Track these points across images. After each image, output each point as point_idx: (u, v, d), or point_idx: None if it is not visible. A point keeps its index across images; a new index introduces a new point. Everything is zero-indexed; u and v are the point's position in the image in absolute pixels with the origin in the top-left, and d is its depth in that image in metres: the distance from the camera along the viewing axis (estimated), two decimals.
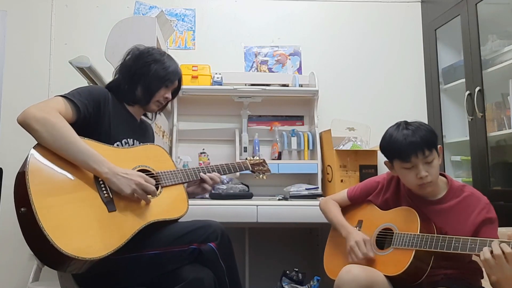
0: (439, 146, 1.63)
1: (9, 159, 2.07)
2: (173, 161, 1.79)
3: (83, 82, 2.24)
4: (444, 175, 1.69)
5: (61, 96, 1.52)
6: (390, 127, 1.67)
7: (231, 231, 1.68)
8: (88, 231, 1.35)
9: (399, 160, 1.61)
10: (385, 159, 1.70)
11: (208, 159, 2.91)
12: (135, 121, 1.79)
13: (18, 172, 1.34)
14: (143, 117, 1.88)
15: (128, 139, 1.69)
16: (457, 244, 1.44)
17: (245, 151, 2.95)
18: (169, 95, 1.79)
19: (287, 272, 2.63)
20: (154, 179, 1.60)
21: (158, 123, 2.45)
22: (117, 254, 1.40)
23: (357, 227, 1.76)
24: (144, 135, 1.82)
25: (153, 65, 1.72)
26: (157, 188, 1.59)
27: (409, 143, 1.56)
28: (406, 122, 1.64)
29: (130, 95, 1.73)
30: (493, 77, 2.46)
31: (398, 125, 1.65)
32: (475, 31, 2.49)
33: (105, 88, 1.73)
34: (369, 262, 1.61)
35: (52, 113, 1.42)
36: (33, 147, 1.40)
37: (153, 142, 1.88)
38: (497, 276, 1.35)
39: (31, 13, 3.10)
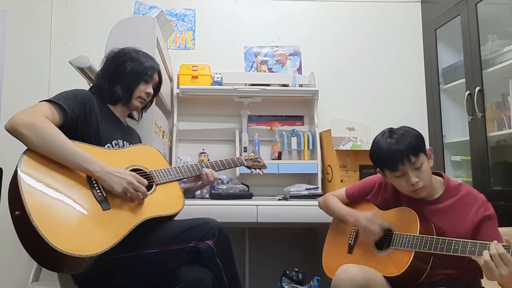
0: (428, 148, 1.63)
1: (9, 159, 2.06)
2: (166, 160, 1.80)
3: (83, 82, 2.24)
4: (440, 175, 1.69)
5: (45, 100, 1.53)
6: (377, 136, 1.67)
7: (231, 231, 1.69)
8: (83, 230, 1.35)
9: (387, 169, 1.61)
10: None
11: (208, 159, 2.91)
12: (121, 124, 1.81)
13: (11, 178, 1.35)
14: (128, 118, 1.90)
15: (118, 140, 1.70)
16: (456, 247, 1.44)
17: (245, 151, 2.95)
18: (150, 90, 1.81)
19: (287, 272, 2.63)
20: (148, 177, 1.60)
21: (158, 123, 2.44)
22: (115, 254, 1.41)
23: (356, 227, 1.76)
24: (131, 137, 1.83)
25: (128, 63, 1.75)
26: (151, 186, 1.60)
27: (394, 152, 1.56)
28: (390, 130, 1.64)
29: (111, 95, 1.76)
30: (493, 77, 2.46)
31: (383, 133, 1.65)
32: (475, 31, 2.49)
33: (88, 91, 1.73)
34: (369, 262, 1.61)
35: (39, 117, 1.44)
36: (24, 152, 1.41)
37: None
38: (496, 280, 1.35)
39: (31, 13, 3.11)
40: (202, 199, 2.51)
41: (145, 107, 1.90)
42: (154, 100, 2.02)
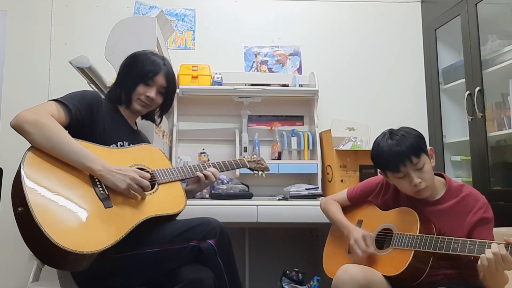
0: (430, 148, 1.63)
1: (9, 159, 2.07)
2: (168, 160, 1.80)
3: (83, 82, 2.24)
4: (442, 175, 1.69)
5: (53, 100, 1.54)
6: (377, 137, 1.67)
7: (231, 231, 1.69)
8: (85, 227, 1.36)
9: (389, 171, 1.61)
10: None
11: (208, 159, 2.91)
12: (129, 127, 1.79)
13: (15, 174, 1.36)
14: (148, 121, 1.89)
15: (124, 142, 1.69)
16: (456, 246, 1.44)
17: (245, 151, 2.95)
18: (150, 93, 1.72)
19: (287, 272, 2.63)
20: (150, 176, 1.60)
21: None
22: (116, 252, 1.41)
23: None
24: (138, 141, 1.81)
25: (131, 64, 1.75)
26: (153, 186, 1.60)
27: (395, 154, 1.56)
28: (391, 131, 1.64)
29: (116, 97, 1.76)
30: (493, 77, 2.46)
31: (383, 134, 1.65)
32: (475, 31, 2.48)
33: (98, 93, 1.75)
34: (368, 262, 1.62)
35: (44, 115, 1.45)
36: (28, 149, 1.42)
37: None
38: (486, 273, 1.37)
39: (31, 13, 3.10)
40: (202, 199, 2.51)
41: (163, 111, 1.87)
42: None
